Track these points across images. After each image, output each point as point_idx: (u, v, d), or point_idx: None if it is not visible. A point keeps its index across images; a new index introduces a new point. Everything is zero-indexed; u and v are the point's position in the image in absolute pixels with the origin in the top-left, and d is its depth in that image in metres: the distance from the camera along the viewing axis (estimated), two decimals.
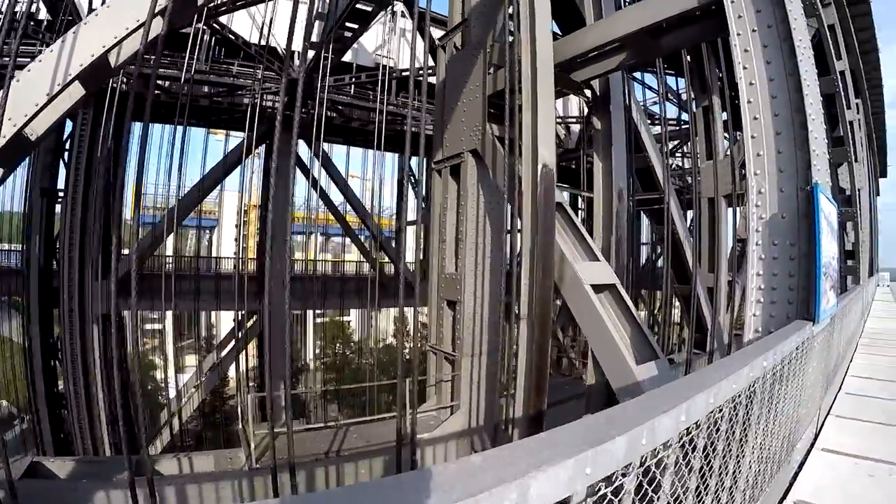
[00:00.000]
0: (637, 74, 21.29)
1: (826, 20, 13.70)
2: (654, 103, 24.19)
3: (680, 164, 26.09)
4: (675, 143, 24.91)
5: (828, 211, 4.69)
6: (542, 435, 1.44)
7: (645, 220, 22.63)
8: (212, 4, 14.65)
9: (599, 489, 1.41)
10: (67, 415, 16.94)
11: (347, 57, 21.55)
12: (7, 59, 11.43)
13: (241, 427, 9.99)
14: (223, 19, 18.91)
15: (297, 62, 20.23)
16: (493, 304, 8.01)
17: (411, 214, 23.39)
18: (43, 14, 17.61)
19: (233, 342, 22.31)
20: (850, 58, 15.79)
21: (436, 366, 9.27)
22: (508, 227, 6.85)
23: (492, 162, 7.85)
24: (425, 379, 9.46)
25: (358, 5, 15.11)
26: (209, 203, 34.02)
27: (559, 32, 9.31)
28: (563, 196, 7.03)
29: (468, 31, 8.87)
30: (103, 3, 6.42)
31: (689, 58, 13.00)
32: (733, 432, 2.33)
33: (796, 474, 4.07)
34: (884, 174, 30.65)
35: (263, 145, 22.12)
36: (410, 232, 26.42)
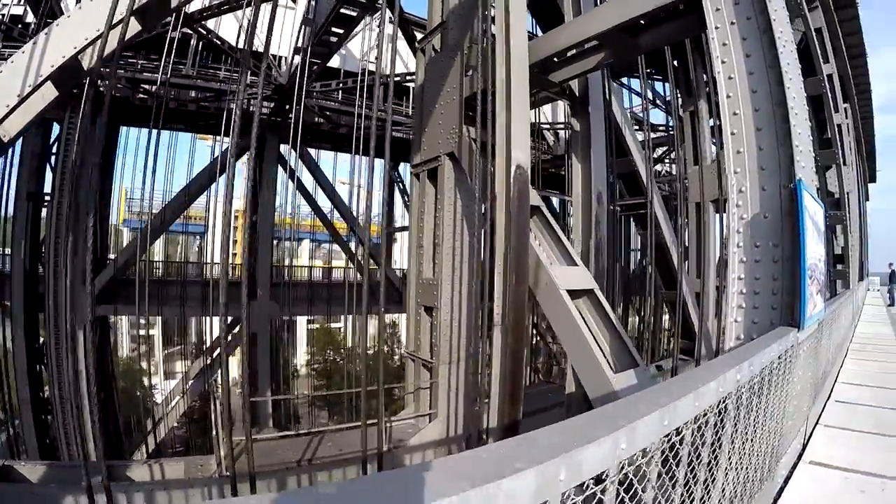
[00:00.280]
0: (624, 80, 21.21)
1: (813, 23, 13.59)
2: (644, 110, 24.12)
3: (669, 170, 26.01)
4: (664, 148, 24.83)
5: (813, 210, 4.45)
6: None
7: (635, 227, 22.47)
8: (188, 8, 14.46)
9: None
10: (52, 420, 16.78)
11: (336, 63, 21.42)
12: None
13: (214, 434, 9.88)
14: (211, 24, 18.72)
15: (283, 67, 20.15)
16: (470, 311, 7.76)
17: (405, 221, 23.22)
18: (31, 18, 17.44)
19: (218, 349, 22.29)
20: (837, 62, 15.70)
21: (414, 373, 9.00)
22: (484, 232, 6.60)
23: (468, 165, 7.63)
24: (403, 386, 9.25)
25: (343, 10, 14.98)
26: (198, 209, 33.72)
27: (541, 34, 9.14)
28: (539, 199, 6.76)
29: (446, 32, 8.66)
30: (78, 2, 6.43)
31: (675, 62, 12.86)
32: (698, 456, 2.06)
33: (781, 489, 3.81)
34: (873, 179, 30.66)
35: (253, 150, 21.94)
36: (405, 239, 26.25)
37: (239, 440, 8.90)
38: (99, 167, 18.37)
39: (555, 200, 26.11)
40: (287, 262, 23.82)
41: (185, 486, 7.68)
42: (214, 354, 22.59)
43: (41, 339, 17.28)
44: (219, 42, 19.08)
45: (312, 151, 23.82)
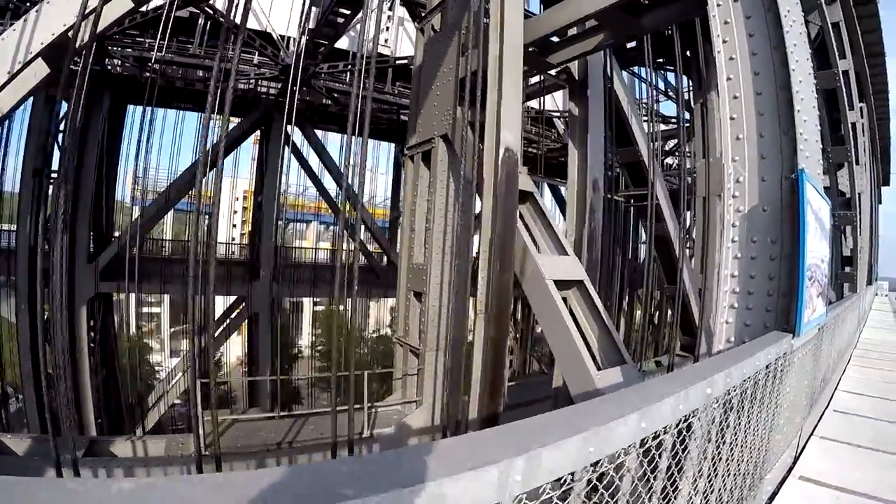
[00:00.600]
0: (634, 70, 20.71)
1: (830, 17, 13.13)
2: (650, 98, 23.68)
3: (682, 163, 25.48)
4: (676, 141, 24.34)
5: (817, 205, 4.12)
6: None
7: None
8: None
9: None
10: (55, 395, 16.95)
11: (344, 45, 21.07)
12: None
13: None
14: (219, 4, 18.45)
15: (291, 48, 19.84)
16: (459, 297, 7.54)
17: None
18: None
19: (222, 327, 22.41)
20: (854, 59, 15.14)
21: (402, 359, 8.79)
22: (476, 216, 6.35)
23: (461, 147, 7.34)
24: (391, 372, 9.14)
25: None
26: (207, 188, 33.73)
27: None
28: (532, 185, 6.44)
29: (446, 12, 8.34)
30: None
31: (687, 52, 12.43)
32: (649, 487, 1.76)
33: None
34: (886, 182, 29.85)
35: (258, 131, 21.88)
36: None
37: (223, 419, 8.96)
38: (102, 145, 18.33)
39: (563, 190, 25.78)
40: (287, 243, 23.77)
41: (165, 463, 7.88)
42: (216, 333, 22.82)
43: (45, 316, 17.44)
44: (223, 20, 18.80)
45: (321, 134, 23.58)
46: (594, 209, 8.19)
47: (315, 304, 46.84)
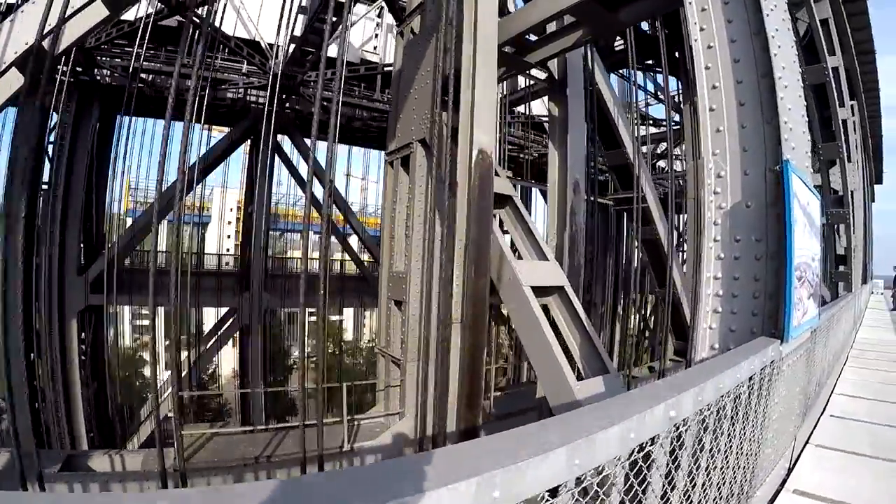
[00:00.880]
0: (624, 72, 20.59)
1: (818, 14, 12.99)
2: (647, 105, 23.60)
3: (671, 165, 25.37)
4: (665, 145, 24.26)
5: (805, 200, 3.87)
6: None
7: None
8: None
9: None
10: (45, 409, 16.67)
11: (333, 53, 20.91)
12: None
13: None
14: (204, 13, 18.32)
15: (280, 57, 19.69)
16: (440, 305, 7.29)
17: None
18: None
19: (213, 340, 22.19)
20: (844, 57, 15.03)
21: (385, 370, 8.53)
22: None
23: (438, 152, 7.12)
24: (374, 383, 8.93)
25: None
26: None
27: None
28: (511, 188, 6.20)
29: (425, 14, 8.13)
30: None
31: (675, 53, 12.26)
32: None
33: None
34: (879, 180, 29.78)
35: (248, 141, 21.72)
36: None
37: (201, 433, 8.75)
38: (92, 156, 18.17)
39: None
40: (279, 253, 23.60)
41: (141, 478, 7.67)
42: (208, 345, 22.70)
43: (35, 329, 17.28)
44: (212, 31, 18.68)
45: (308, 142, 23.40)
46: (575, 212, 7.94)
47: (309, 314, 46.59)
